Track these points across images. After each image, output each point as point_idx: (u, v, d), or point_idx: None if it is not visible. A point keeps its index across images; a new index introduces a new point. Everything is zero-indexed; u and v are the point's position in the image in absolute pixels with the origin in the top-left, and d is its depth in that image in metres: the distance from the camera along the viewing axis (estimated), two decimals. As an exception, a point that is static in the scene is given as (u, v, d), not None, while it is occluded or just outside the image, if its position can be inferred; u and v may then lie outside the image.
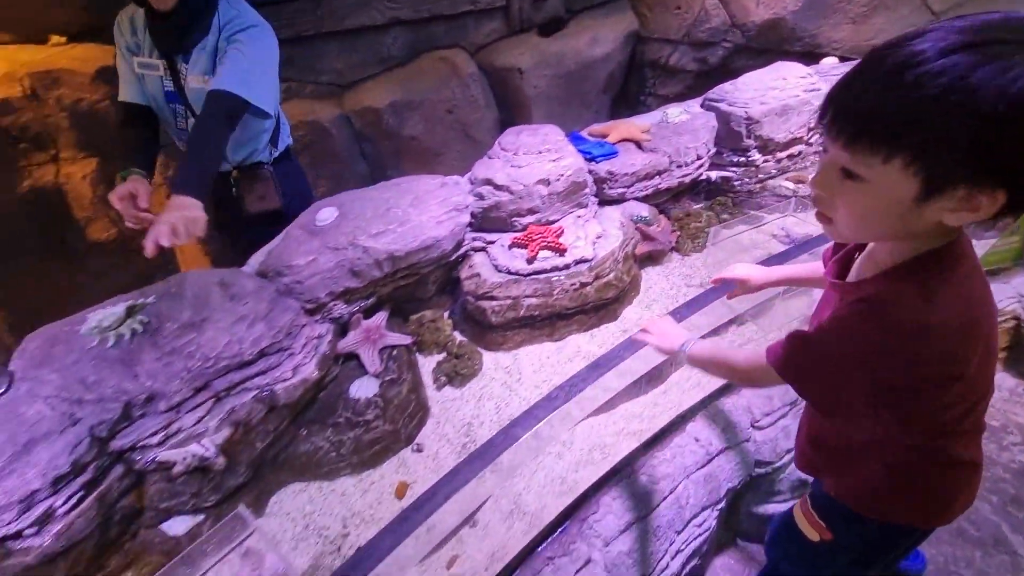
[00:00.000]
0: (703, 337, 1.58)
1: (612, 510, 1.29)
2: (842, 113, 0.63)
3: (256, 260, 1.54)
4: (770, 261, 1.83)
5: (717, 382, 1.56)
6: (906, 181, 0.60)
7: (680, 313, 1.64)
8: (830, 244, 1.01)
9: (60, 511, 1.02)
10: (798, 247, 1.87)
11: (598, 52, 2.88)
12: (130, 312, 1.22)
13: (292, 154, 1.94)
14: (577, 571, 1.20)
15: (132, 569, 1.10)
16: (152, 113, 1.65)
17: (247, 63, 1.50)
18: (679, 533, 1.34)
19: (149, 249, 1.17)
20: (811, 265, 1.12)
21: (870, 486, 0.91)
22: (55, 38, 2.00)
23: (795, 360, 0.79)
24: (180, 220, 1.21)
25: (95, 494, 1.07)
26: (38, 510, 1.00)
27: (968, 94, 0.54)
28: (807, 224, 1.95)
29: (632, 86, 3.20)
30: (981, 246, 1.96)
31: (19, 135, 1.97)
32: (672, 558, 1.32)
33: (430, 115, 2.70)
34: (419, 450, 1.37)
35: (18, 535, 0.99)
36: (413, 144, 2.75)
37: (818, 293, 1.01)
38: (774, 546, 1.19)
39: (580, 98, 2.96)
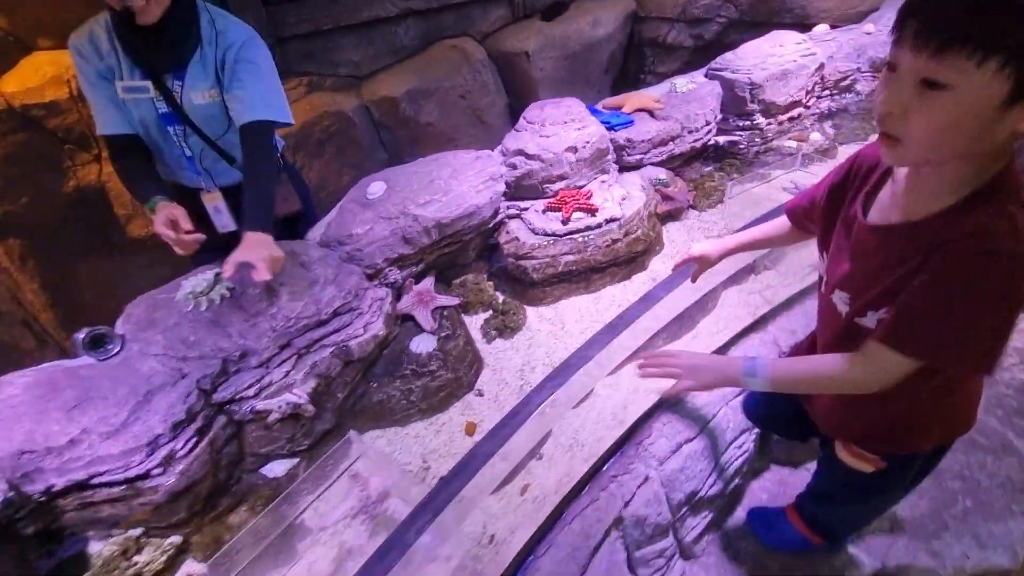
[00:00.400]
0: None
1: (664, 434, 1.41)
2: (933, 21, 0.61)
3: (316, 232, 1.64)
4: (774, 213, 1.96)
5: (740, 325, 1.69)
6: (997, 84, 0.59)
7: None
8: (796, 199, 1.05)
9: (180, 453, 1.13)
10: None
11: (600, 33, 2.99)
12: (217, 278, 1.33)
13: (285, 156, 1.83)
14: (638, 486, 1.32)
15: (245, 504, 1.21)
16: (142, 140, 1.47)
17: (265, 82, 1.44)
18: (723, 454, 1.47)
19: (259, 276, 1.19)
20: (768, 226, 1.13)
21: (900, 421, 0.92)
22: None
23: (927, 333, 0.72)
24: (267, 257, 1.22)
25: (206, 440, 1.18)
26: (162, 452, 1.10)
27: None
28: (815, 177, 2.08)
29: (632, 65, 3.32)
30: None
31: (64, 136, 2.05)
32: (718, 475, 1.45)
33: (444, 101, 2.80)
34: (480, 394, 1.49)
35: (146, 475, 1.09)
36: (429, 130, 2.85)
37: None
38: (824, 488, 1.22)
39: (584, 79, 3.07)
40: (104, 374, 1.14)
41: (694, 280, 1.28)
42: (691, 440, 1.42)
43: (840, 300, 0.88)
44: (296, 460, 1.30)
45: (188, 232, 1.30)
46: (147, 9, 1.27)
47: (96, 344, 1.17)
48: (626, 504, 1.30)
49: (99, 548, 1.14)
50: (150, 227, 2.48)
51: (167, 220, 1.30)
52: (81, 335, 1.16)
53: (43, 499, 1.07)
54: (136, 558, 1.12)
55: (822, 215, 0.95)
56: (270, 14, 2.36)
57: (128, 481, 1.08)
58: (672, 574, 1.35)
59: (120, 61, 1.36)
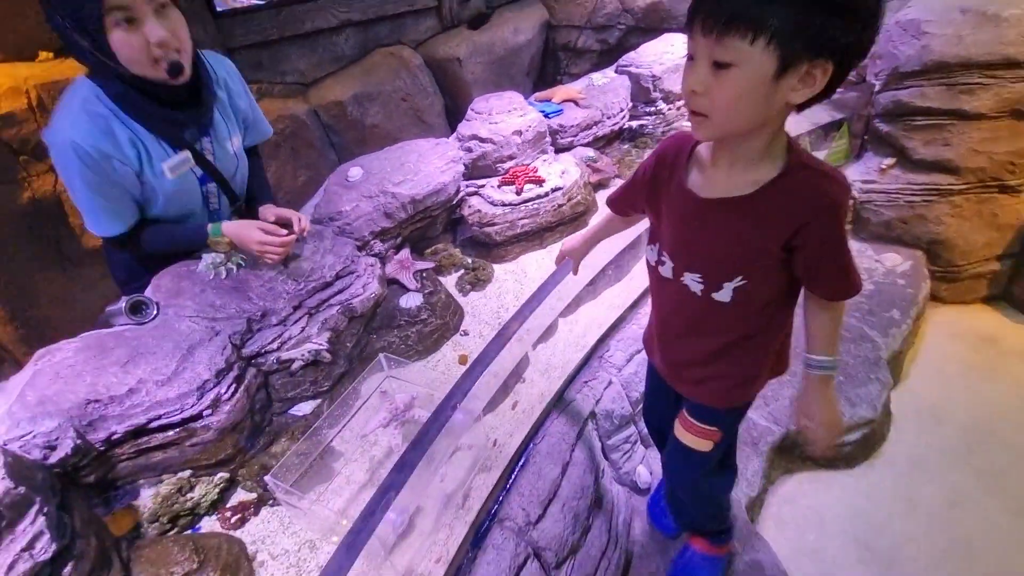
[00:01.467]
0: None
1: (619, 348, 1.72)
2: (713, 12, 0.70)
3: (306, 213, 1.79)
4: None
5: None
6: (768, 60, 0.69)
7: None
8: (615, 193, 1.12)
9: (224, 396, 1.26)
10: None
11: (520, 40, 3.31)
12: (230, 253, 1.47)
13: None
14: (604, 388, 1.62)
15: (284, 435, 1.36)
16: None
17: (255, 102, 1.50)
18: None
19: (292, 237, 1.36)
20: (603, 219, 1.23)
21: (752, 373, 1.00)
22: (44, 54, 2.06)
23: (848, 278, 0.85)
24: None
25: (242, 386, 1.32)
26: (210, 396, 1.24)
27: None
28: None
29: (549, 66, 3.68)
30: (822, 153, 2.64)
31: (20, 148, 2.01)
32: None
33: (388, 104, 2.98)
34: (466, 334, 1.72)
35: (199, 416, 1.22)
36: (375, 131, 3.02)
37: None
38: (676, 477, 1.27)
39: (509, 79, 3.38)
40: (147, 334, 1.26)
41: (575, 273, 1.36)
42: (639, 351, 1.75)
43: (692, 281, 0.92)
44: (319, 400, 1.47)
45: (288, 233, 1.36)
46: (185, 59, 1.17)
47: (135, 310, 1.28)
48: (597, 402, 1.59)
49: (151, 493, 1.25)
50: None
51: (262, 230, 1.32)
52: (121, 303, 1.26)
53: (103, 448, 1.17)
54: (190, 494, 1.25)
55: (647, 207, 1.01)
56: (219, 27, 2.44)
57: (183, 422, 1.20)
58: (636, 456, 1.66)
59: (145, 144, 1.21)
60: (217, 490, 1.26)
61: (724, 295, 0.90)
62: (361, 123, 2.95)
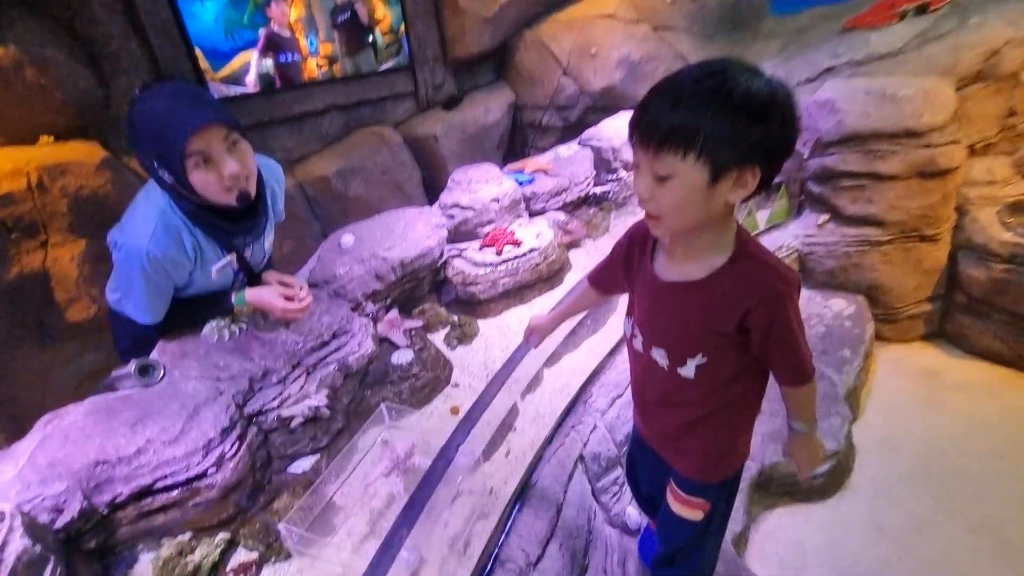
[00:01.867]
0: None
1: (601, 393, 1.83)
2: (648, 132, 0.77)
3: (301, 277, 1.89)
4: None
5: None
6: (700, 171, 0.76)
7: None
8: (594, 268, 1.18)
9: (228, 454, 1.30)
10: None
11: (491, 119, 3.63)
12: (232, 317, 1.54)
13: None
14: (590, 432, 1.71)
15: (285, 492, 1.38)
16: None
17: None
18: (642, 404, 1.92)
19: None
20: (579, 296, 1.29)
21: (725, 447, 1.05)
22: (44, 138, 2.16)
23: (803, 362, 0.91)
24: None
25: (245, 444, 1.36)
26: (215, 453, 1.27)
27: (724, 99, 0.73)
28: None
29: (517, 141, 4.00)
30: (766, 212, 2.94)
31: (13, 225, 2.06)
32: (642, 420, 1.89)
33: (369, 177, 3.18)
34: (456, 386, 1.80)
35: (203, 475, 1.25)
36: (357, 203, 3.19)
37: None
38: (668, 542, 1.24)
39: (481, 153, 3.66)
40: (155, 396, 1.30)
41: (536, 346, 1.43)
42: (620, 396, 1.86)
43: (659, 356, 0.98)
44: (318, 456, 1.50)
45: (305, 294, 1.45)
46: (252, 184, 1.29)
47: (144, 372, 1.32)
48: (584, 445, 1.68)
49: (150, 557, 1.25)
50: (89, 311, 2.47)
51: (281, 295, 1.41)
52: (131, 366, 1.31)
53: (106, 511, 1.18)
54: (191, 557, 1.25)
55: (624, 281, 1.07)
56: (213, 111, 2.62)
57: (188, 481, 1.23)
58: (624, 497, 1.73)
59: (203, 248, 1.34)
60: (218, 551, 1.26)
61: (688, 371, 0.95)
62: (344, 195, 3.12)
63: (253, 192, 1.30)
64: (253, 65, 2.75)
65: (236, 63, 2.71)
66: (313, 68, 3.05)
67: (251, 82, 2.80)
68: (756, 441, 1.99)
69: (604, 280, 1.18)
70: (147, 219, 1.26)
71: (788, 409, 1.01)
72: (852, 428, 2.17)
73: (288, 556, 1.27)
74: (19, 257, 2.14)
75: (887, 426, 2.30)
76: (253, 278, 1.59)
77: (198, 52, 2.57)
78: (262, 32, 2.79)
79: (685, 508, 1.13)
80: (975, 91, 2.75)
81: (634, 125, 0.80)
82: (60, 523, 1.09)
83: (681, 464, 1.10)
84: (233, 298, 1.45)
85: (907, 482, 2.04)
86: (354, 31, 3.18)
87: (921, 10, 2.96)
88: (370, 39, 3.22)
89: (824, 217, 2.82)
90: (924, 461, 2.12)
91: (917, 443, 2.20)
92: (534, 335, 1.34)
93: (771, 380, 1.00)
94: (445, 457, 1.34)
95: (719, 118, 0.74)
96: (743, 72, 0.76)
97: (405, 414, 1.49)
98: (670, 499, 1.16)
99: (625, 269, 1.05)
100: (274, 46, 2.83)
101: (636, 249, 1.02)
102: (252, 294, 1.45)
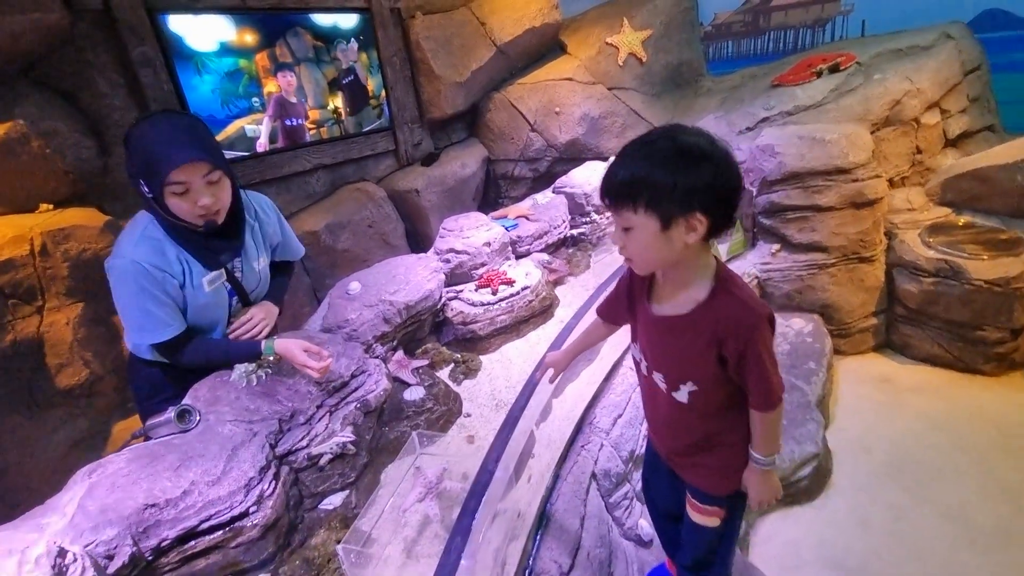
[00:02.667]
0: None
1: (604, 414, 1.95)
2: (606, 192, 0.91)
3: (315, 323, 1.96)
4: (621, 268, 2.78)
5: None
6: (651, 221, 0.87)
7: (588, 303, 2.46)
8: (602, 302, 1.28)
9: (267, 492, 1.34)
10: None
11: (467, 172, 3.86)
12: (258, 363, 1.60)
13: None
14: (599, 450, 1.82)
15: (321, 528, 1.41)
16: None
17: (289, 228, 1.75)
18: (643, 424, 2.05)
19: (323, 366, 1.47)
20: (591, 330, 1.36)
21: (731, 464, 1.10)
22: (44, 206, 2.18)
23: (771, 389, 0.97)
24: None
25: (280, 483, 1.40)
26: (255, 492, 1.31)
27: (661, 155, 0.86)
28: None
29: (491, 192, 4.25)
30: (725, 246, 3.23)
31: (11, 292, 2.03)
32: (646, 437, 2.02)
33: (356, 231, 3.30)
34: (468, 416, 1.88)
35: (245, 513, 1.28)
36: (346, 255, 3.29)
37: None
38: (693, 550, 1.30)
39: (460, 204, 3.86)
40: (193, 440, 1.33)
41: (552, 381, 1.53)
42: (620, 415, 1.99)
43: (659, 380, 1.08)
44: (347, 492, 1.54)
45: (326, 356, 1.48)
46: (221, 215, 1.40)
47: (181, 418, 1.36)
48: (595, 463, 1.78)
49: (190, 606, 1.25)
50: (81, 375, 2.42)
51: (305, 351, 1.45)
52: (169, 413, 1.34)
53: (151, 557, 1.19)
54: (232, 600, 1.26)
55: (627, 313, 1.16)
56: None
57: (232, 520, 1.25)
58: (635, 511, 1.82)
59: (189, 263, 1.41)
60: (259, 591, 1.28)
61: (682, 396, 1.05)
62: (333, 248, 3.22)
63: (220, 221, 1.40)
64: (265, 129, 2.91)
65: (231, 129, 2.84)
66: (302, 132, 3.21)
67: (262, 144, 3.00)
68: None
69: (611, 313, 1.27)
70: (130, 235, 1.36)
71: (754, 436, 1.06)
72: (826, 434, 2.36)
73: (333, 587, 1.29)
74: (14, 324, 2.11)
75: (856, 429, 2.51)
76: (248, 302, 1.65)
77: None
78: (273, 98, 2.97)
79: (703, 516, 1.20)
80: (886, 133, 3.20)
81: (600, 188, 0.95)
82: (112, 569, 1.09)
83: (693, 479, 1.18)
84: (263, 346, 1.52)
85: (882, 478, 2.23)
86: (357, 91, 3.44)
87: (834, 69, 3.45)
88: (368, 98, 3.46)
89: (776, 247, 3.13)
90: (893, 458, 2.32)
91: (885, 442, 2.41)
92: (551, 370, 1.43)
93: None
94: (487, 471, 1.42)
95: (657, 173, 0.86)
96: (680, 132, 0.89)
97: (436, 440, 1.56)
98: (689, 510, 1.24)
99: (628, 302, 1.15)
100: (282, 111, 3.01)
101: (636, 284, 1.11)
102: (280, 344, 1.51)
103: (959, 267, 2.65)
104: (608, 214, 3.22)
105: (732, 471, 1.12)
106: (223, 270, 1.50)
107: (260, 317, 1.64)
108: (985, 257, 2.64)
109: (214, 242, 1.43)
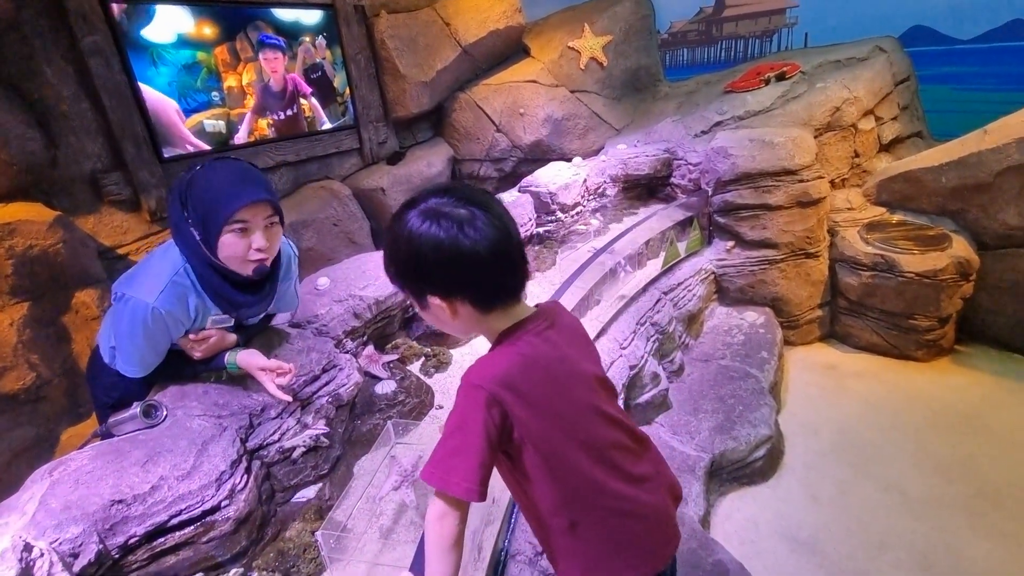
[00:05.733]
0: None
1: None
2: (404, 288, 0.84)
3: (283, 319, 1.93)
4: (586, 265, 2.84)
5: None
6: (442, 305, 0.80)
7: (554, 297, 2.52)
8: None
9: (239, 486, 1.32)
10: (597, 253, 2.98)
11: (433, 171, 3.86)
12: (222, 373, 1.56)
13: None
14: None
15: (295, 521, 1.40)
16: None
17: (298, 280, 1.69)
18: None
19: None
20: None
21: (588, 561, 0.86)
22: None
23: (438, 456, 0.79)
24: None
25: (252, 476, 1.38)
26: (227, 486, 1.29)
27: (400, 247, 0.80)
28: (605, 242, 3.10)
29: (457, 192, 4.28)
30: (683, 244, 3.37)
31: None
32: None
33: (321, 229, 3.25)
34: (441, 407, 1.90)
35: (217, 508, 1.26)
36: (311, 254, 3.23)
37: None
38: None
39: (426, 204, 3.87)
40: (161, 435, 1.30)
41: None
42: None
43: None
44: (321, 484, 1.53)
45: (288, 370, 1.43)
46: (269, 260, 1.36)
47: (147, 413, 1.32)
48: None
49: (159, 605, 1.21)
50: (26, 380, 2.29)
51: (262, 369, 1.41)
52: (134, 409, 1.30)
53: (118, 555, 1.15)
54: (204, 596, 1.24)
55: None
56: (165, 170, 2.62)
57: (204, 514, 1.23)
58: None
59: (205, 311, 1.38)
60: (232, 586, 1.26)
61: None
62: (296, 247, 3.15)
63: (268, 265, 1.38)
64: (246, 121, 2.84)
65: (189, 124, 2.75)
66: (264, 127, 3.14)
67: (241, 138, 2.97)
68: (703, 435, 2.28)
69: None
70: (160, 277, 1.30)
71: None
72: (778, 418, 2.51)
73: (309, 578, 1.29)
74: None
75: (805, 413, 2.67)
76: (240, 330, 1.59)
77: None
78: (257, 88, 2.93)
79: None
80: (828, 138, 3.42)
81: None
82: (77, 567, 1.06)
83: None
84: (227, 363, 1.46)
85: (829, 457, 2.39)
86: (325, 86, 3.40)
87: (780, 77, 3.66)
88: (336, 94, 3.41)
89: (731, 243, 3.29)
90: (838, 438, 2.49)
91: (830, 424, 2.58)
92: None
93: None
94: None
95: (387, 268, 0.86)
96: (397, 214, 0.83)
97: (411, 429, 1.58)
98: None
99: None
100: (266, 100, 2.96)
101: None
102: (243, 359, 1.46)
103: (893, 261, 2.87)
104: (574, 213, 3.31)
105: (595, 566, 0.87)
106: (231, 319, 1.47)
107: (216, 339, 1.49)
108: (916, 252, 2.86)
109: (242, 297, 1.40)
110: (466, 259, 0.78)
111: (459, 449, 0.79)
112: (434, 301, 0.81)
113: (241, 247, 1.28)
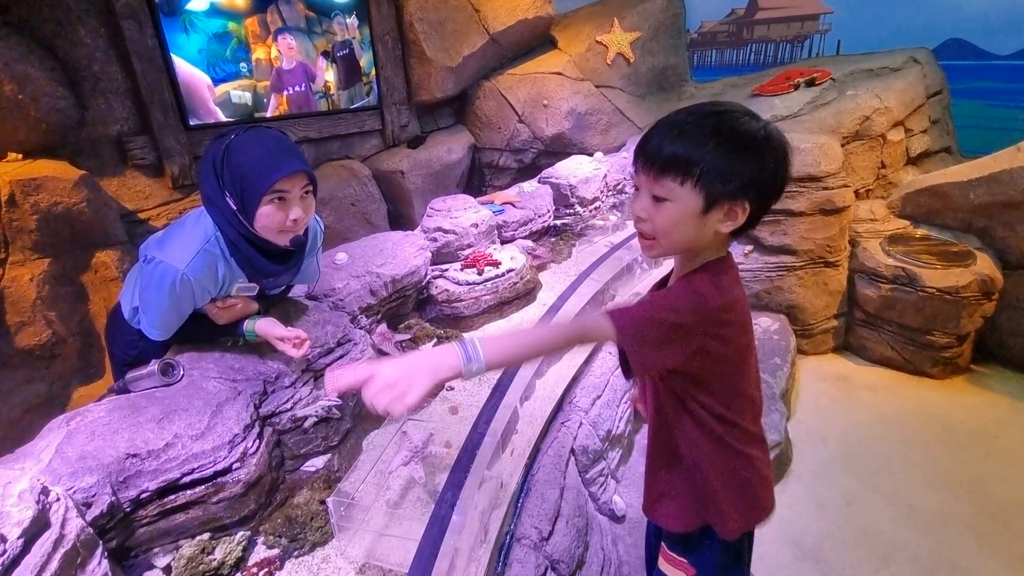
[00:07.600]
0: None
1: (584, 394, 2.00)
2: (651, 157, 0.82)
3: (299, 291, 1.93)
4: (603, 259, 2.81)
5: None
6: (695, 198, 0.80)
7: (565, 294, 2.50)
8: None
9: (251, 450, 1.32)
10: (615, 248, 2.95)
11: (453, 157, 3.85)
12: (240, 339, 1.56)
13: None
14: (578, 427, 1.86)
15: (304, 488, 1.40)
16: None
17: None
18: (619, 407, 2.11)
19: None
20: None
21: (700, 495, 0.97)
22: (12, 155, 2.06)
23: (634, 323, 0.83)
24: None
25: (264, 441, 1.38)
26: (239, 449, 1.28)
27: (723, 136, 0.79)
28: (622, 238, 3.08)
29: (475, 180, 4.25)
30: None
31: None
32: (621, 419, 2.07)
33: (339, 208, 3.24)
34: (451, 389, 1.89)
35: (228, 469, 1.26)
36: (327, 232, 3.19)
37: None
38: None
39: (443, 189, 3.85)
40: (177, 394, 1.30)
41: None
42: (600, 396, 2.04)
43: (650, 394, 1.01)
44: (329, 455, 1.53)
45: (305, 339, 1.42)
46: (302, 229, 1.36)
47: (165, 372, 1.32)
48: (574, 439, 1.82)
49: (166, 561, 1.22)
50: (42, 336, 2.31)
51: (280, 337, 1.41)
52: (152, 366, 1.31)
53: (129, 508, 1.16)
54: (212, 556, 1.24)
55: None
56: (190, 138, 2.63)
57: (215, 475, 1.23)
58: (610, 487, 1.87)
59: (231, 278, 1.39)
60: (240, 548, 1.26)
61: (650, 410, 1.00)
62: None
63: (301, 233, 1.39)
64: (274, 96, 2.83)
65: (217, 93, 2.75)
66: (285, 103, 3.14)
67: (269, 111, 2.99)
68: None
69: None
70: (192, 243, 1.30)
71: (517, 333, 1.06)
72: (787, 425, 2.48)
73: (314, 546, 1.29)
74: (-26, 276, 2.00)
75: (814, 422, 2.64)
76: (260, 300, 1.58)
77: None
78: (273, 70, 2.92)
79: (668, 566, 1.09)
80: (855, 147, 3.36)
81: (639, 150, 0.86)
82: (89, 517, 1.06)
83: (657, 515, 1.08)
84: (245, 331, 1.46)
85: (836, 466, 2.36)
86: (351, 66, 3.38)
87: (810, 83, 3.60)
88: (361, 74, 3.39)
89: (749, 248, 3.25)
90: (846, 448, 2.46)
91: (839, 434, 2.55)
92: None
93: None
94: (477, 432, 1.44)
95: (717, 153, 0.79)
96: (743, 115, 0.82)
97: (422, 407, 1.57)
98: (660, 559, 1.13)
99: None
100: (279, 81, 2.94)
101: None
102: (262, 328, 1.45)
103: (914, 275, 2.82)
104: (592, 207, 3.28)
105: (699, 507, 0.99)
106: (256, 286, 1.47)
107: (241, 306, 1.50)
108: (938, 267, 2.81)
109: (271, 266, 1.41)
110: (789, 176, 0.85)
111: (661, 343, 0.85)
112: (742, 206, 0.82)
113: (279, 217, 1.28)
